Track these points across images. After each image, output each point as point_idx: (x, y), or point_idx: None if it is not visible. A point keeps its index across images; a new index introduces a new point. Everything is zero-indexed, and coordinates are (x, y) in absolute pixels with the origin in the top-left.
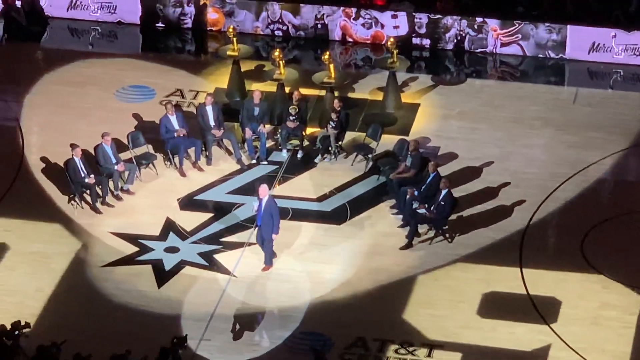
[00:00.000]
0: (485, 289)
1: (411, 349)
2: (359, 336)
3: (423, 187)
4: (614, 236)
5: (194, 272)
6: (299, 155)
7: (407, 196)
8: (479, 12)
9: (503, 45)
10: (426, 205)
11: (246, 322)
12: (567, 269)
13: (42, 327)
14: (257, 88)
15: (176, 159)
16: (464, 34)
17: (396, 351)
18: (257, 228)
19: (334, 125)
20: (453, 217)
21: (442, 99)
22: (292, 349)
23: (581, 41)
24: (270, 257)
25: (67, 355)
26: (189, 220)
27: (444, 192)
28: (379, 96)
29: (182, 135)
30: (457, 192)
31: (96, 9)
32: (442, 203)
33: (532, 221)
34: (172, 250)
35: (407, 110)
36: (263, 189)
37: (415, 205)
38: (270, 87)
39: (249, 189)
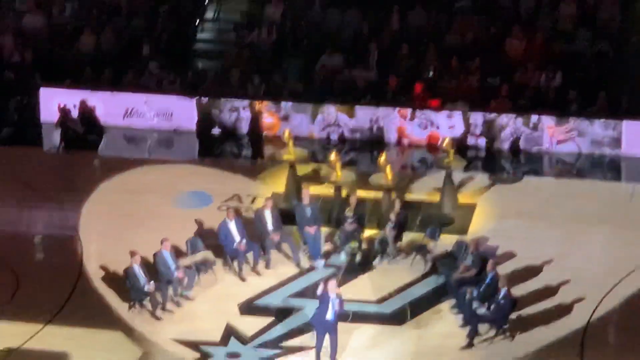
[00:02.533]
0: None
1: None
2: None
3: (482, 287)
4: None
5: None
6: (357, 257)
7: (467, 296)
8: (533, 110)
9: (559, 142)
10: (486, 305)
11: None
12: None
13: None
14: (313, 191)
15: (235, 264)
16: (519, 133)
17: None
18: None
19: (392, 226)
20: (513, 316)
21: (499, 198)
22: None
23: (637, 136)
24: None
25: None
26: (250, 325)
27: (503, 291)
28: (436, 197)
29: (242, 247)
30: (517, 290)
31: (152, 116)
32: (502, 302)
33: (592, 319)
34: (233, 355)
35: (465, 210)
36: (332, 284)
37: (475, 304)
38: (328, 190)
39: (309, 293)
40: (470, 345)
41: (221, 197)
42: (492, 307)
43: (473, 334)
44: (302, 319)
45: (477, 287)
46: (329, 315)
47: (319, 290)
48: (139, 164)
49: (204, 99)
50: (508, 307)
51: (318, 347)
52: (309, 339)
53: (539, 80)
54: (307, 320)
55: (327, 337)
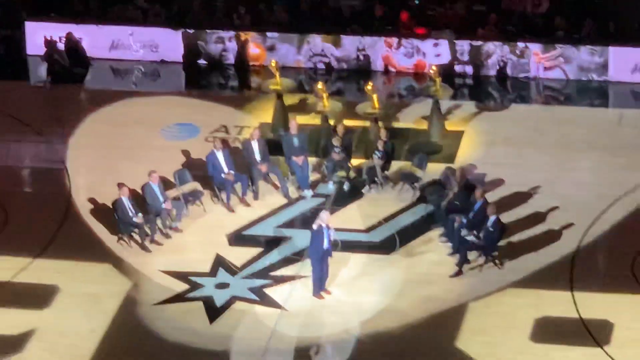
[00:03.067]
0: (537, 314)
1: None
2: None
3: (471, 214)
4: None
5: (245, 308)
6: (346, 187)
7: (456, 224)
8: (520, 37)
9: (546, 69)
10: (475, 232)
11: (299, 355)
12: (619, 291)
13: None
14: (300, 121)
15: (223, 195)
16: (506, 60)
17: None
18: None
19: (379, 155)
20: (502, 243)
21: (487, 125)
22: None
23: (624, 62)
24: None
25: None
26: (239, 255)
27: (492, 218)
28: (424, 125)
29: (230, 179)
30: (506, 217)
31: (138, 49)
32: (491, 229)
33: (582, 244)
34: (222, 286)
35: (452, 138)
36: (325, 215)
37: (464, 232)
38: (315, 120)
39: (297, 222)
40: (459, 272)
41: (208, 128)
42: (482, 234)
43: (462, 261)
44: (291, 248)
45: (465, 214)
46: (324, 245)
47: (314, 223)
48: (126, 96)
49: (190, 31)
50: (497, 234)
51: (315, 277)
52: (297, 268)
53: (525, 6)
54: (297, 250)
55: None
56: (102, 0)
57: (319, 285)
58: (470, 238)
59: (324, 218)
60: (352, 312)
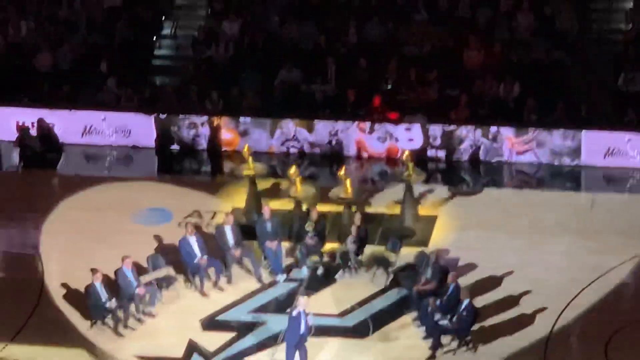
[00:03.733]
0: None
1: None
2: None
3: (444, 298)
4: (638, 341)
5: None
6: (319, 271)
7: (429, 308)
8: (493, 121)
9: (518, 153)
10: (448, 316)
11: None
12: None
13: None
14: (273, 206)
15: (197, 280)
16: (479, 144)
17: None
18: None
19: (353, 240)
20: (475, 326)
21: (460, 209)
22: None
23: (596, 146)
24: None
25: None
26: (212, 340)
27: (465, 302)
28: (397, 209)
29: (203, 263)
30: (479, 301)
31: (111, 134)
32: (464, 313)
33: (555, 328)
34: None
35: (425, 222)
36: (303, 300)
37: (437, 316)
38: (288, 205)
39: (270, 307)
40: (432, 357)
41: (181, 213)
42: (455, 318)
43: (436, 345)
44: (265, 333)
45: (439, 299)
46: (301, 331)
47: (293, 308)
48: (99, 182)
49: (162, 116)
50: (470, 318)
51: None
52: (271, 353)
53: (498, 90)
54: (271, 335)
55: (296, 353)
56: (73, 84)
57: None
58: (444, 322)
59: (303, 303)
60: None
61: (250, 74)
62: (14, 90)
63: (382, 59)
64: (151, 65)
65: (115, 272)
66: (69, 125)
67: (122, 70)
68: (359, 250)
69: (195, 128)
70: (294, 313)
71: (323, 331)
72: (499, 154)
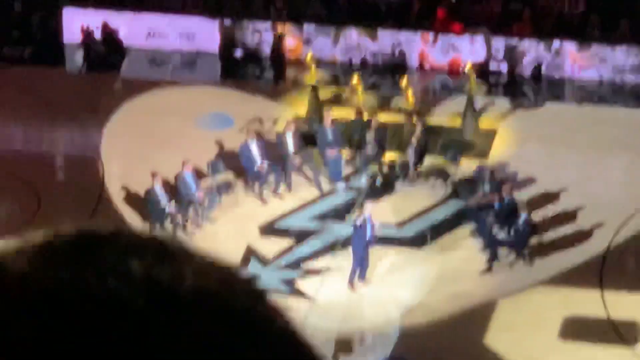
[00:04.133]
0: (566, 312)
1: None
2: None
3: (502, 212)
4: None
5: (276, 298)
6: (378, 181)
7: (487, 220)
8: (556, 35)
9: (581, 69)
10: (506, 229)
11: (328, 349)
12: None
13: None
14: (335, 115)
15: (256, 186)
16: (541, 59)
17: None
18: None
19: (413, 150)
20: (533, 240)
21: (520, 123)
22: None
23: None
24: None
25: None
26: (270, 247)
27: (523, 216)
28: (457, 121)
29: (263, 169)
30: (536, 215)
31: (175, 38)
32: (521, 226)
33: (612, 244)
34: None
35: (485, 135)
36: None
37: (494, 229)
38: (349, 114)
39: (329, 215)
40: (489, 269)
41: (243, 119)
42: (512, 231)
43: (492, 258)
44: (323, 241)
45: (496, 211)
46: (366, 238)
47: (358, 215)
48: (161, 86)
49: (227, 21)
50: (527, 232)
51: (354, 267)
52: (329, 260)
53: (562, 5)
54: (329, 242)
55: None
56: None
57: (357, 275)
58: (501, 235)
59: (370, 209)
60: (382, 307)
61: None
62: None
63: None
64: None
65: (176, 177)
66: (134, 28)
67: None
68: (419, 161)
69: (259, 34)
70: (359, 222)
71: (381, 241)
72: (561, 69)
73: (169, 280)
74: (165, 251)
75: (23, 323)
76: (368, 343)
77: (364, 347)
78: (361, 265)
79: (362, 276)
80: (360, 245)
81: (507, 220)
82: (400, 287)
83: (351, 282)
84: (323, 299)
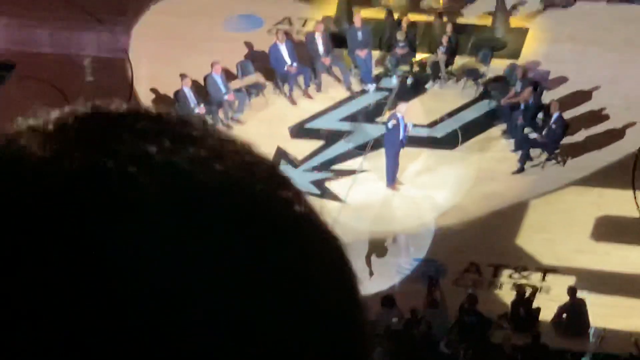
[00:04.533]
0: (598, 213)
1: (525, 273)
2: (473, 262)
3: (530, 111)
4: None
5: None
6: (409, 81)
7: (518, 121)
8: None
9: None
10: (538, 129)
11: (358, 249)
12: None
13: None
14: (364, 15)
15: (286, 87)
16: None
17: (510, 276)
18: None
19: (444, 50)
20: (565, 140)
21: (552, 22)
22: (406, 275)
23: None
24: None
25: None
26: (300, 148)
27: (555, 115)
28: (488, 20)
29: (292, 70)
30: (568, 114)
31: None
32: (553, 126)
33: None
34: None
35: (517, 34)
36: (403, 107)
37: (526, 129)
38: (379, 14)
39: (360, 116)
40: (521, 169)
41: (272, 20)
42: (544, 131)
43: (524, 158)
44: (353, 142)
45: (526, 111)
46: (398, 138)
47: (390, 116)
48: None
49: None
50: (560, 131)
51: (389, 167)
52: (359, 162)
53: None
54: (359, 144)
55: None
56: None
57: (393, 176)
58: (533, 135)
59: (402, 109)
60: (413, 207)
61: None
62: None
63: None
64: None
65: (205, 78)
66: None
67: None
68: (449, 61)
69: None
70: (391, 123)
71: (412, 141)
72: None
73: (189, 166)
74: (186, 134)
75: (41, 212)
76: (401, 244)
77: (397, 248)
78: (394, 165)
79: (393, 177)
80: (393, 146)
81: (538, 120)
82: (432, 188)
83: (390, 182)
84: (354, 200)
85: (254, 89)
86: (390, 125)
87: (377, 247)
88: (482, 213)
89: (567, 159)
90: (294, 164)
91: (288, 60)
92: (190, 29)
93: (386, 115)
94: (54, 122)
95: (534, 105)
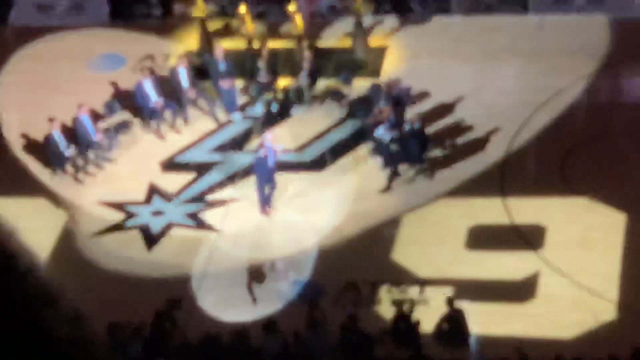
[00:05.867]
0: (470, 222)
1: (403, 288)
2: (350, 281)
3: (392, 127)
4: (591, 158)
5: (182, 233)
6: (274, 108)
7: (383, 138)
8: None
9: None
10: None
11: (237, 276)
12: (549, 195)
13: None
14: (225, 46)
15: (154, 123)
16: None
17: (389, 291)
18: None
19: (306, 74)
20: (432, 153)
21: (410, 38)
22: (286, 300)
23: None
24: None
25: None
26: (172, 182)
27: (413, 130)
28: (348, 42)
29: (159, 106)
30: (433, 128)
31: None
32: (413, 141)
33: (510, 151)
34: (158, 212)
35: (376, 53)
36: (271, 136)
37: (392, 146)
38: (240, 44)
39: (228, 146)
40: (389, 187)
41: (135, 57)
42: (406, 146)
43: (393, 175)
44: (224, 172)
45: (390, 128)
46: (269, 165)
47: (259, 145)
48: (51, 31)
49: None
50: (420, 144)
51: (260, 195)
52: (231, 191)
53: None
54: (230, 173)
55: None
56: None
57: (265, 203)
58: (397, 151)
59: (269, 137)
60: (287, 231)
61: None
62: None
63: None
64: None
65: (73, 120)
66: None
67: None
68: (312, 84)
69: None
70: (261, 152)
71: (282, 167)
72: None
73: None
74: None
75: None
76: (280, 269)
77: (276, 273)
78: (266, 193)
79: (266, 205)
80: (263, 174)
81: (401, 136)
82: (306, 212)
83: (263, 209)
84: (231, 229)
85: (122, 127)
86: (261, 154)
87: (257, 274)
88: (356, 232)
89: (435, 172)
90: (167, 198)
91: (154, 96)
92: (55, 72)
93: (254, 143)
94: None
95: (396, 122)
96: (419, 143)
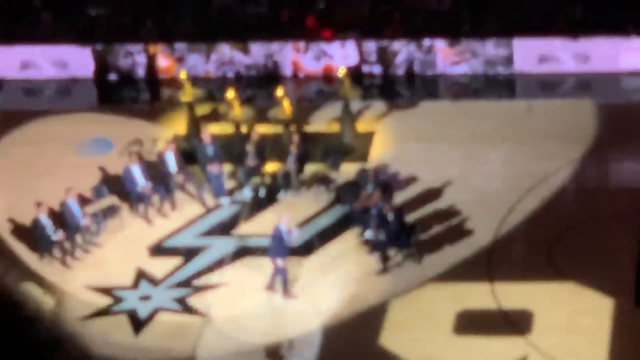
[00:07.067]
0: (458, 307)
1: None
2: None
3: (380, 214)
4: (580, 243)
5: (169, 318)
6: (261, 192)
7: (370, 223)
8: (426, 34)
9: (453, 64)
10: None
11: None
12: (537, 280)
13: None
14: (213, 130)
15: (141, 208)
16: (413, 57)
17: None
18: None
19: (294, 159)
20: (419, 238)
21: (397, 123)
22: None
23: (529, 53)
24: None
25: None
26: (160, 266)
27: (391, 215)
28: (335, 127)
29: (147, 191)
30: (421, 212)
31: (48, 67)
32: (392, 227)
33: (498, 236)
34: (145, 297)
35: (364, 137)
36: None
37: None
38: (228, 128)
39: (216, 230)
40: (384, 270)
41: (123, 142)
42: (384, 231)
43: (382, 260)
44: (212, 256)
45: (379, 214)
46: (284, 247)
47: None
48: (39, 116)
49: (99, 46)
50: (397, 229)
51: (283, 276)
52: (218, 276)
53: (430, 3)
54: (218, 258)
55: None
56: (8, 21)
57: (287, 283)
58: (381, 236)
59: (285, 220)
60: (276, 318)
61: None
62: None
63: None
64: None
65: (60, 205)
66: (6, 60)
67: (56, 3)
68: (300, 169)
69: (131, 57)
70: (276, 232)
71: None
72: (433, 66)
73: None
74: None
75: None
76: (257, 356)
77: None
78: (283, 274)
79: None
80: (281, 253)
81: (381, 222)
82: (293, 297)
83: (286, 291)
84: (217, 314)
85: (109, 212)
86: (275, 234)
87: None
88: (344, 317)
89: (424, 257)
90: (154, 282)
91: (142, 181)
92: (42, 156)
93: (241, 227)
94: None
95: (383, 207)
96: (396, 227)
